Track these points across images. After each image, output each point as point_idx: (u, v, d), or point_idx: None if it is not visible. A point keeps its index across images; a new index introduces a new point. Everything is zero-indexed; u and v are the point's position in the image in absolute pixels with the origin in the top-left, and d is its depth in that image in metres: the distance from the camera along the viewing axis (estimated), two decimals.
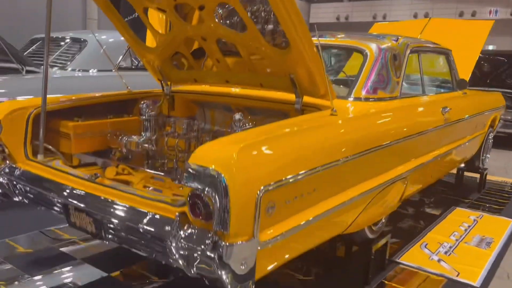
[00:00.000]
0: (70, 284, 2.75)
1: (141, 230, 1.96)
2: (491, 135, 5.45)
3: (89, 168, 2.95)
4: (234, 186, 1.67)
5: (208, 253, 1.71)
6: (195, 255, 1.76)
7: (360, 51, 3.04)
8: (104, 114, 3.16)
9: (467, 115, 4.18)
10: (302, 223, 2.01)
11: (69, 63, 4.94)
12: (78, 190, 2.31)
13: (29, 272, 2.86)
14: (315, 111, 2.54)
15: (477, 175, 5.36)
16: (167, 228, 1.86)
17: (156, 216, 1.94)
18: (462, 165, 5.28)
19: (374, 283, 2.95)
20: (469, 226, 4.08)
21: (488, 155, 5.50)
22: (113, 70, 4.15)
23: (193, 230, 1.79)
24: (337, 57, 4.35)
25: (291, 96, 2.63)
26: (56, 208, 2.47)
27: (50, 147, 2.82)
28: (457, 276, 3.11)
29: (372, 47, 3.01)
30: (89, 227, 2.30)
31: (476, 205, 4.74)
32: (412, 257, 3.37)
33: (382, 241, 3.00)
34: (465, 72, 4.76)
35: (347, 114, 2.60)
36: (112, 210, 2.11)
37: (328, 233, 2.37)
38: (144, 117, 3.01)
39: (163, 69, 3.21)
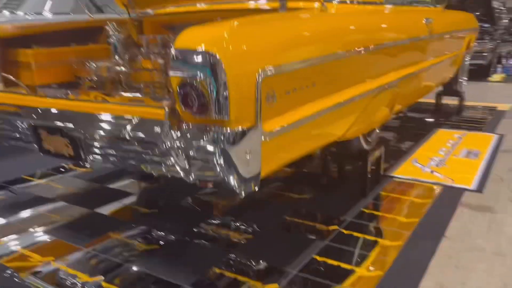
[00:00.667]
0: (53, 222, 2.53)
1: (127, 137, 1.75)
2: (467, 58, 5.40)
3: None
4: (230, 64, 1.47)
5: (208, 146, 1.52)
6: (192, 154, 1.57)
7: None
8: (65, 42, 2.86)
9: (448, 30, 4.07)
10: (304, 117, 1.84)
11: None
12: (49, 110, 2.05)
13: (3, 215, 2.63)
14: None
15: (455, 102, 5.35)
16: (157, 129, 1.66)
17: (143, 120, 1.72)
18: (441, 88, 5.25)
19: (371, 195, 2.86)
20: (455, 143, 4.05)
21: (464, 79, 5.46)
22: None
23: (187, 126, 1.59)
24: None
25: (270, 4, 2.41)
26: (24, 138, 2.22)
27: (10, 77, 2.52)
28: (452, 182, 3.06)
29: None
30: (65, 150, 2.07)
31: (458, 126, 4.72)
32: (405, 171, 3.30)
33: (377, 153, 2.89)
34: None
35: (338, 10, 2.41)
36: (91, 123, 1.88)
37: (328, 136, 2.22)
38: (112, 39, 2.73)
39: None
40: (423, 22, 3.43)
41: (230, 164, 1.51)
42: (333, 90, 2.13)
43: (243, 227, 2.43)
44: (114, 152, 1.87)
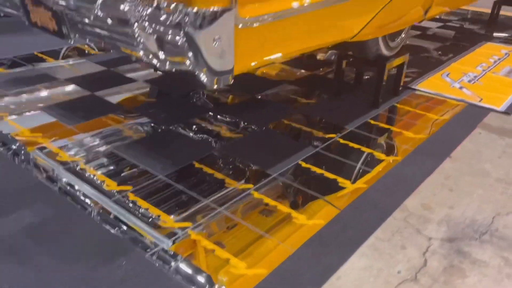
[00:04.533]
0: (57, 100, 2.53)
1: (100, 14, 1.61)
2: None
3: None
4: None
5: (173, 29, 1.36)
6: (160, 36, 1.42)
7: None
8: None
9: None
10: (297, 6, 1.61)
11: None
12: None
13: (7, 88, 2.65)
14: None
15: None
16: (125, 6, 1.50)
17: None
18: None
19: (385, 106, 2.65)
20: (499, 59, 3.64)
21: None
22: None
23: (156, 3, 1.42)
24: None
25: None
26: (15, 8, 2.13)
27: None
28: (479, 101, 2.78)
29: None
30: (50, 24, 1.96)
31: (510, 41, 4.22)
32: (431, 84, 3.02)
33: (398, 60, 2.62)
34: None
35: None
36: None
37: (331, 35, 1.97)
38: None
39: None
40: None
41: (196, 52, 1.36)
42: None
43: (235, 124, 2.34)
44: (92, 30, 1.75)
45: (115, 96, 2.66)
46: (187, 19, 1.32)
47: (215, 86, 1.46)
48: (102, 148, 2.08)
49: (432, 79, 3.13)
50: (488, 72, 3.31)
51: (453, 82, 3.09)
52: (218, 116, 2.44)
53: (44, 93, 2.67)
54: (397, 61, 2.62)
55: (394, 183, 1.90)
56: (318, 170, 1.95)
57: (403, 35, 2.67)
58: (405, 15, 2.45)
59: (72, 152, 2.03)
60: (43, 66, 3.11)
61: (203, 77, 1.42)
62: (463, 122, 2.51)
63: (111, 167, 1.93)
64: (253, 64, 1.61)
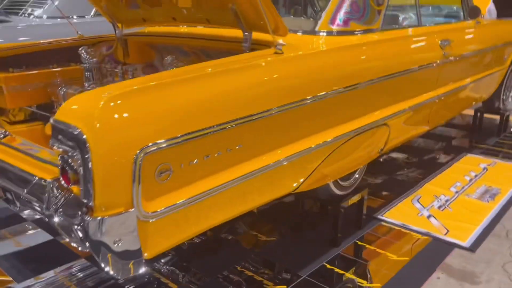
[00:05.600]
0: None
1: (23, 197, 1.69)
2: None
3: (29, 124, 2.71)
4: (98, 147, 1.34)
5: (76, 227, 1.42)
6: (72, 228, 1.48)
7: None
8: (49, 62, 2.86)
9: (476, 49, 3.59)
10: (217, 185, 1.66)
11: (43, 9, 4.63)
12: None
13: None
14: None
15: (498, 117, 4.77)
16: (44, 194, 1.58)
17: (34, 179, 1.65)
18: (480, 104, 4.71)
19: (345, 244, 2.61)
20: (475, 176, 3.61)
21: (511, 94, 4.87)
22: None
23: (68, 197, 1.50)
24: None
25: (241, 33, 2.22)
26: None
27: None
28: (445, 234, 2.72)
29: None
30: (0, 192, 2.06)
31: (492, 151, 4.22)
32: (399, 212, 2.99)
33: (354, 198, 2.62)
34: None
35: (299, 51, 2.15)
36: (5, 173, 1.85)
37: (261, 197, 1.98)
38: (85, 64, 2.68)
39: (109, 8, 2.83)
40: (437, 45, 3.05)
41: (97, 251, 1.40)
42: (268, 149, 1.88)
43: (183, 274, 2.32)
44: (26, 206, 1.83)
45: None
46: (86, 224, 1.37)
47: (121, 278, 1.48)
48: None
49: (402, 205, 3.11)
50: (461, 194, 3.28)
51: (423, 209, 3.05)
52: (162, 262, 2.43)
53: None
54: (354, 199, 2.63)
55: None
56: None
57: (357, 175, 2.70)
58: (356, 158, 2.51)
59: None
60: None
61: (108, 271, 1.45)
62: (423, 263, 2.44)
63: None
64: (171, 243, 1.64)
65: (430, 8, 4.14)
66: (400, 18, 3.22)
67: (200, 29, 2.73)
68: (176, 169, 1.51)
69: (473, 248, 2.59)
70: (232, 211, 1.82)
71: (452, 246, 2.61)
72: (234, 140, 1.70)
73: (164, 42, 2.91)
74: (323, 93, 2.06)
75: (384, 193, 3.29)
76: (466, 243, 2.63)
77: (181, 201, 1.54)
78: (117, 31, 3.01)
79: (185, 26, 2.77)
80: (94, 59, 2.70)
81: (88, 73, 2.67)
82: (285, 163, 1.93)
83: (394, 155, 4.07)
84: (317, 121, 2.11)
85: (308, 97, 1.98)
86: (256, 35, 2.17)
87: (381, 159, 3.90)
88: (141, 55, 3.07)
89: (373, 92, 2.47)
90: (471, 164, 3.86)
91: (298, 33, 2.36)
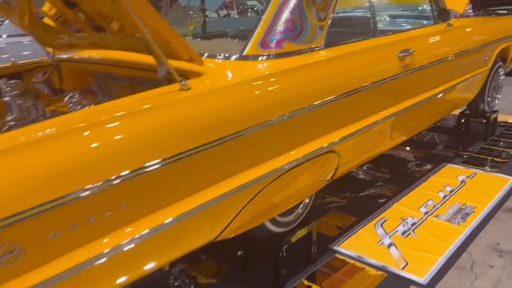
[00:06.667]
0: None
1: None
2: (502, 70, 4.47)
3: None
4: None
5: None
6: None
7: None
8: None
9: (447, 54, 3.31)
10: (93, 256, 1.46)
11: None
12: None
13: None
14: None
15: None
16: None
17: None
18: (465, 107, 4.41)
19: (292, 283, 2.39)
20: (451, 191, 3.35)
21: (498, 95, 4.56)
22: None
23: None
24: None
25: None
26: None
27: None
28: (403, 268, 2.48)
29: None
30: None
31: (475, 160, 3.94)
32: (358, 242, 2.74)
33: (299, 234, 2.39)
34: None
35: (214, 84, 1.91)
36: None
37: (161, 257, 1.72)
38: (5, 98, 2.49)
39: (34, 32, 2.63)
40: (396, 56, 2.78)
41: None
42: (162, 205, 1.65)
43: None
44: None
45: None
46: None
47: None
48: None
49: (363, 231, 2.87)
50: (431, 215, 3.03)
51: (385, 235, 2.81)
52: None
53: None
54: (299, 235, 2.40)
55: None
56: None
57: (300, 210, 2.47)
58: (294, 193, 2.28)
59: None
60: None
61: None
62: None
63: None
64: None
65: (393, 15, 3.85)
66: (351, 31, 2.96)
67: (131, 55, 2.50)
68: (28, 247, 1.30)
69: (431, 284, 2.35)
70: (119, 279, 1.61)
71: (409, 283, 2.37)
72: (113, 202, 1.48)
73: (92, 69, 2.72)
74: (237, 131, 1.83)
75: (346, 215, 3.06)
76: (424, 279, 2.39)
77: (39, 283, 1.34)
78: (49, 56, 2.82)
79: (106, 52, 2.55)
80: (15, 91, 2.50)
81: (8, 106, 2.48)
82: (190, 216, 1.71)
83: (364, 167, 3.82)
84: (232, 163, 1.88)
85: (216, 139, 1.75)
86: (176, 62, 1.95)
87: (349, 173, 3.65)
88: (76, 81, 2.88)
89: (312, 119, 2.23)
90: (449, 177, 3.59)
91: (218, 59, 2.13)
